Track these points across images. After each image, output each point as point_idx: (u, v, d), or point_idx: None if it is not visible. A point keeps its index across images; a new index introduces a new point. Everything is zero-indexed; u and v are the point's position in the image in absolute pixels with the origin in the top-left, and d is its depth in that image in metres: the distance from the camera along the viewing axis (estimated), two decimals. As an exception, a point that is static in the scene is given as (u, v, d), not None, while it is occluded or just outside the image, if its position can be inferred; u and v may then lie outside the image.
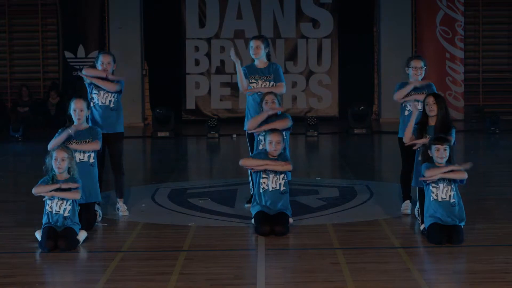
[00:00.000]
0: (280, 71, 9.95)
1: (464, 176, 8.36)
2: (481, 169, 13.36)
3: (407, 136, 9.03)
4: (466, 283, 6.97)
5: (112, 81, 9.66)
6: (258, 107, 9.67)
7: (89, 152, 9.13)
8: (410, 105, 9.41)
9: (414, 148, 8.97)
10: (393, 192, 10.85)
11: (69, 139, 9.06)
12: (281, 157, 8.94)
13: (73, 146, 8.99)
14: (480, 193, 10.93)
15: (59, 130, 9.22)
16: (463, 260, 7.76)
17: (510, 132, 18.66)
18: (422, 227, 8.56)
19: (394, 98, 9.59)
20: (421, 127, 8.95)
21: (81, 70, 9.86)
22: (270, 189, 8.86)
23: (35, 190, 8.34)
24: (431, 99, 8.92)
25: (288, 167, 8.89)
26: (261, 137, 9.53)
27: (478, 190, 11.07)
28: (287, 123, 9.50)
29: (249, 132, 9.75)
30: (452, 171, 8.33)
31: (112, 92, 9.66)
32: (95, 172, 9.20)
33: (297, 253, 8.08)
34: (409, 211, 9.61)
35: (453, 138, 8.81)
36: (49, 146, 8.95)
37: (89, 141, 9.13)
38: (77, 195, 8.36)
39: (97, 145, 9.14)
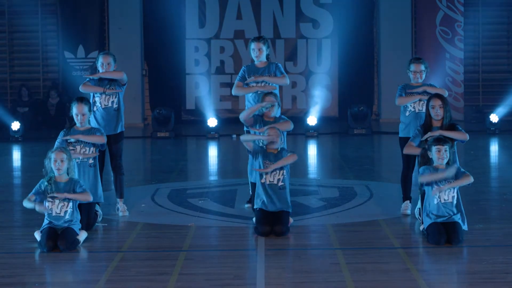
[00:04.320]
0: (281, 67, 9.95)
1: (470, 180, 8.36)
2: (481, 169, 13.37)
3: (412, 150, 8.99)
4: (466, 283, 6.98)
5: (107, 94, 9.69)
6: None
7: (89, 152, 9.13)
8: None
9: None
10: (393, 193, 10.85)
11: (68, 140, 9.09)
12: (283, 152, 8.92)
13: (79, 136, 9.02)
14: (480, 193, 10.93)
15: (61, 132, 9.22)
16: (463, 260, 7.76)
17: (510, 132, 18.66)
18: (422, 227, 8.56)
19: (396, 103, 9.54)
20: (426, 130, 8.92)
21: (85, 70, 9.89)
22: (268, 182, 8.84)
23: (25, 204, 8.33)
24: (437, 103, 8.86)
25: (292, 157, 8.87)
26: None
27: (478, 190, 11.07)
28: (289, 125, 9.45)
29: (249, 129, 9.73)
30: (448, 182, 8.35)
31: (119, 82, 9.66)
32: (96, 173, 9.20)
33: (297, 253, 8.08)
34: (409, 212, 9.61)
35: (466, 134, 8.82)
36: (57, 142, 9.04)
37: (89, 142, 9.15)
38: (88, 197, 8.38)
39: (101, 138, 9.15)
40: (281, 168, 8.85)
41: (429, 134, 8.75)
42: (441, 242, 8.11)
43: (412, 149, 8.95)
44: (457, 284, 7.01)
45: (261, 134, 9.44)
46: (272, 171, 8.83)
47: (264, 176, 8.85)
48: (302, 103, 21.40)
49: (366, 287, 6.82)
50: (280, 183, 8.85)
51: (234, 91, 9.99)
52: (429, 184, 8.36)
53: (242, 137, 9.12)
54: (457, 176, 8.35)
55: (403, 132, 9.54)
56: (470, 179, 8.35)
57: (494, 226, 9.07)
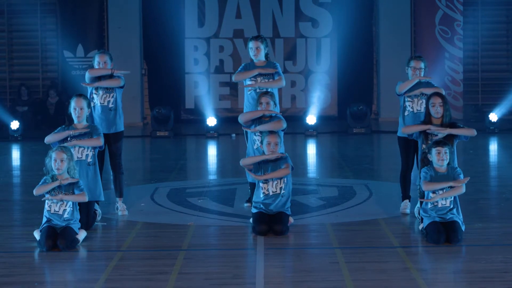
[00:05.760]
0: (278, 67, 9.97)
1: (462, 191, 8.35)
2: (480, 168, 13.38)
3: (410, 129, 9.00)
4: (465, 282, 6.98)
5: (114, 76, 9.69)
6: (256, 105, 9.65)
7: (87, 151, 9.11)
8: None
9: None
10: (392, 192, 10.85)
11: (68, 139, 9.05)
12: (281, 159, 8.91)
13: (75, 142, 8.99)
14: (479, 193, 10.93)
15: (59, 128, 9.19)
16: (462, 259, 7.76)
17: (509, 131, 18.66)
18: (421, 226, 8.57)
19: (397, 90, 9.51)
20: (424, 136, 8.91)
21: (85, 69, 9.86)
22: (271, 193, 8.84)
23: (36, 191, 8.33)
24: (437, 101, 8.86)
25: (285, 172, 8.85)
26: (255, 137, 9.53)
27: (477, 190, 11.08)
28: (282, 125, 9.45)
29: (243, 128, 9.75)
30: (451, 188, 8.33)
31: (115, 88, 9.68)
32: (96, 171, 9.17)
33: (296, 252, 8.08)
34: (408, 211, 9.61)
35: (473, 129, 8.80)
36: (46, 140, 9.03)
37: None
38: (84, 198, 8.36)
39: (98, 141, 9.11)
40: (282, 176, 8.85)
41: (438, 130, 8.72)
42: (440, 241, 8.12)
43: (411, 128, 9.01)
44: (456, 283, 7.01)
45: (255, 134, 9.48)
46: (274, 182, 8.83)
47: (264, 187, 8.83)
48: (301, 102, 21.40)
49: (365, 286, 6.82)
50: (282, 191, 8.84)
51: (234, 77, 10.01)
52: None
53: (243, 161, 9.07)
54: (454, 176, 8.37)
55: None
56: (462, 190, 8.36)
57: (493, 225, 9.07)
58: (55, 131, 9.13)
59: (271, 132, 9.00)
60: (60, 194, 8.30)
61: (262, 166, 8.89)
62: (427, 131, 8.85)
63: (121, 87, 9.77)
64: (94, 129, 9.19)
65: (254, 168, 8.93)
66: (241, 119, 9.61)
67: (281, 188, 8.84)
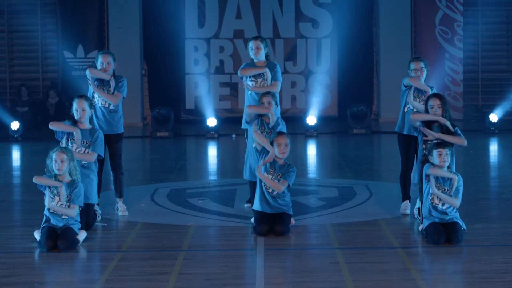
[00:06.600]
0: (278, 69, 9.95)
1: (457, 205, 8.33)
2: (480, 168, 13.38)
3: (417, 117, 8.99)
4: (465, 283, 6.98)
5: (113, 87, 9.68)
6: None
7: (83, 152, 9.08)
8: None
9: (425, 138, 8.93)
10: (392, 192, 10.86)
11: (70, 137, 9.04)
12: (284, 168, 8.88)
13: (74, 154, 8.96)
14: (479, 193, 10.93)
15: (66, 121, 9.17)
16: (462, 260, 7.77)
17: (509, 131, 18.66)
18: (421, 227, 8.57)
19: (404, 82, 9.45)
20: (427, 127, 8.90)
21: (84, 69, 9.85)
22: (265, 187, 8.84)
23: (36, 179, 8.30)
24: (436, 102, 8.84)
25: (278, 188, 8.82)
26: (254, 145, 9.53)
27: (477, 190, 11.08)
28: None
29: (243, 126, 9.76)
30: (449, 193, 8.33)
31: (118, 87, 9.70)
32: (91, 174, 9.13)
33: (297, 252, 8.08)
34: (408, 211, 9.61)
35: (464, 139, 8.74)
36: (50, 125, 9.01)
37: (87, 143, 9.07)
38: (73, 213, 8.32)
39: (91, 158, 9.04)
40: (278, 178, 8.83)
41: (431, 133, 8.70)
42: (440, 242, 8.12)
43: (420, 116, 8.96)
44: (456, 283, 7.01)
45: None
46: (271, 178, 8.83)
47: (263, 181, 8.85)
48: (301, 103, 21.41)
49: (365, 287, 6.82)
50: (274, 193, 8.83)
51: (239, 72, 9.98)
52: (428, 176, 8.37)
53: (255, 137, 9.08)
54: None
55: (400, 127, 9.55)
56: (457, 204, 8.34)
57: (493, 225, 9.08)
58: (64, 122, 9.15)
59: (280, 134, 8.97)
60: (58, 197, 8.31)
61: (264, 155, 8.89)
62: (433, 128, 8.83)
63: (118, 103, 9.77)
64: (94, 135, 9.12)
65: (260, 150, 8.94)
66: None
67: (273, 189, 8.83)
